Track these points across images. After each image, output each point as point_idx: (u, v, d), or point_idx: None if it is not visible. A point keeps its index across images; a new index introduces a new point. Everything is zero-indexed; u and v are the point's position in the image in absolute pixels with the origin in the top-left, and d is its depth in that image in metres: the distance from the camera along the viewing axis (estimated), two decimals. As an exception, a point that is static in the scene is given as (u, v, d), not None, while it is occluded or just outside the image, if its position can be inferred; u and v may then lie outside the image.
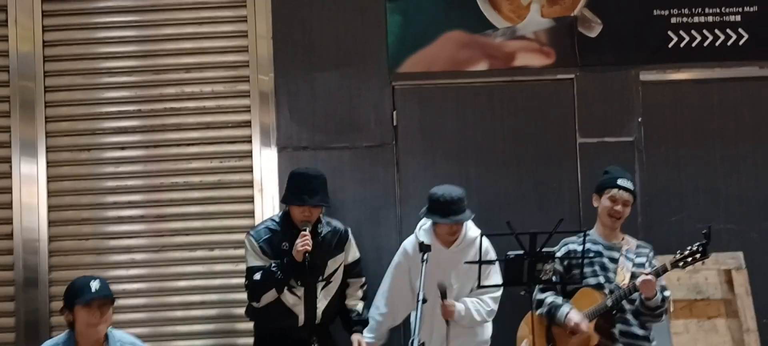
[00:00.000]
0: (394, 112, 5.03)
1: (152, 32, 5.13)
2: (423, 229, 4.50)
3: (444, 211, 4.33)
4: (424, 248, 4.05)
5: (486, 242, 4.32)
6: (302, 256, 4.22)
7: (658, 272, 4.14)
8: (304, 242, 4.20)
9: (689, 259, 4.10)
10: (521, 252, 3.93)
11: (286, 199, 4.39)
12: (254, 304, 4.38)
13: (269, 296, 4.32)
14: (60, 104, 5.09)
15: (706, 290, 4.77)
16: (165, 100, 5.12)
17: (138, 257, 5.05)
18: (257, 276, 4.31)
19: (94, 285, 3.84)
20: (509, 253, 3.96)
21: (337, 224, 4.51)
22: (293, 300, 4.37)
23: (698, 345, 4.74)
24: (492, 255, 4.38)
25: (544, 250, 3.93)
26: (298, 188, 4.33)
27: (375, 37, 5.04)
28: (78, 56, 5.11)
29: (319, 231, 4.38)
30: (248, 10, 5.12)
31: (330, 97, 5.04)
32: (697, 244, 4.09)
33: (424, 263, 3.99)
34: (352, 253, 4.53)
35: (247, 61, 5.10)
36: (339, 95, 5.04)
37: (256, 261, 4.34)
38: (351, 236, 4.52)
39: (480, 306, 4.41)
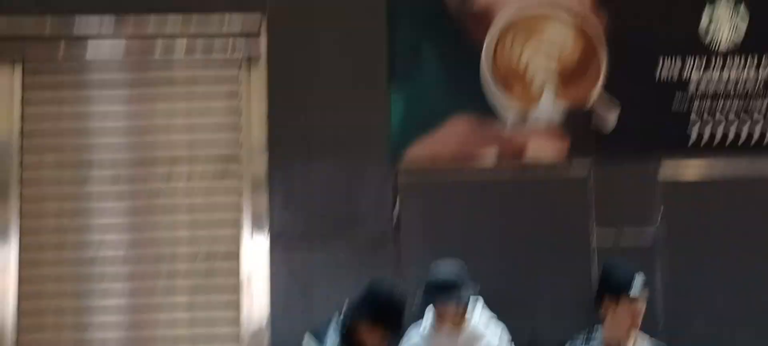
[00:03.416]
0: (396, 205, 4.72)
1: (141, 107, 4.86)
2: (429, 320, 4.16)
3: (441, 293, 3.96)
4: None
5: (500, 326, 4.03)
6: None
7: None
8: None
9: None
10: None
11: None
12: None
13: None
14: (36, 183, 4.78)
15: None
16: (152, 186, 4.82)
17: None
18: None
19: None
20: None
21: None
22: None
23: None
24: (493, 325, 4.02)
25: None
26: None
27: (377, 123, 4.76)
28: (59, 132, 4.82)
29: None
30: (243, 89, 4.84)
31: (327, 186, 4.74)
32: None
33: None
34: None
35: (240, 141, 4.81)
36: (337, 185, 4.74)
37: None
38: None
39: None
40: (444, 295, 3.96)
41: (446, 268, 4.06)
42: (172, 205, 4.79)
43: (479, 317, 4.13)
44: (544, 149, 4.79)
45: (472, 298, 4.07)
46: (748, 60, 4.86)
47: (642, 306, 4.05)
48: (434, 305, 4.03)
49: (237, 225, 4.76)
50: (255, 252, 4.73)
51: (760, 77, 4.85)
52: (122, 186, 4.80)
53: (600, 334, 4.11)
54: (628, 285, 4.01)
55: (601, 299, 4.10)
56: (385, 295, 3.97)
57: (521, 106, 4.81)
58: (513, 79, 4.82)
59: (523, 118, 4.80)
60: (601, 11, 4.85)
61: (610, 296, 4.06)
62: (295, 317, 4.56)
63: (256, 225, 4.74)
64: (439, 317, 4.06)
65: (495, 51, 4.83)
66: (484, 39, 4.82)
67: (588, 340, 3.92)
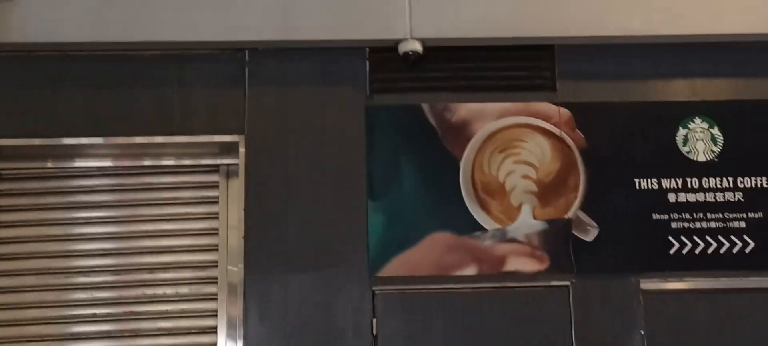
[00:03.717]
0: (374, 320, 4.62)
1: (120, 213, 4.85)
2: None
3: None
4: None
5: None
6: None
7: None
8: None
9: None
10: None
11: None
12: None
13: None
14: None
15: None
16: (126, 299, 4.74)
17: None
18: None
19: None
20: None
21: None
22: None
23: None
24: None
25: None
26: None
27: (355, 238, 4.71)
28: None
29: None
30: (220, 207, 4.82)
31: (304, 301, 4.64)
32: None
33: None
34: None
35: (216, 261, 4.77)
36: (314, 300, 4.64)
37: None
38: None
39: None
40: None
41: None
42: (152, 311, 4.71)
43: None
44: (523, 264, 4.73)
45: None
46: (724, 177, 4.87)
47: None
48: None
49: (213, 333, 4.67)
50: (233, 372, 4.60)
51: (736, 194, 4.86)
52: (102, 293, 4.73)
53: None
54: None
55: None
56: None
57: (500, 222, 4.77)
58: (491, 195, 4.82)
59: (502, 234, 4.76)
60: (579, 128, 4.89)
61: None
62: None
63: (231, 335, 4.63)
64: None
65: (473, 166, 4.84)
66: (462, 153, 4.83)
67: None
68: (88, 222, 4.83)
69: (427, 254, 4.71)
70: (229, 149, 4.82)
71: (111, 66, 4.86)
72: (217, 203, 4.85)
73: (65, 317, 4.71)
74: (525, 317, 4.66)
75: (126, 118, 4.80)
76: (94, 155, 4.86)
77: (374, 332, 4.62)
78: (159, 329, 4.71)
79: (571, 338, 4.65)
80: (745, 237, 4.80)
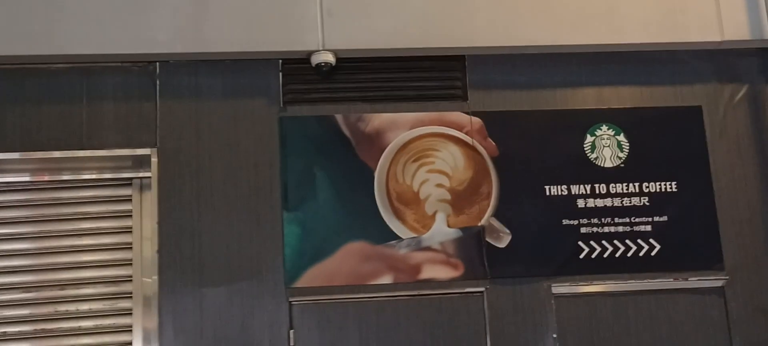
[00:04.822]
0: (291, 332, 4.62)
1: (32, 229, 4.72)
2: None
3: None
4: None
5: None
6: None
7: None
8: None
9: None
10: None
11: None
12: None
13: None
14: None
15: None
16: (39, 316, 4.65)
17: None
18: None
19: None
20: None
21: None
22: None
23: None
24: None
25: None
26: None
27: (270, 249, 4.70)
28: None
29: None
30: (134, 221, 4.77)
31: (220, 315, 4.61)
32: None
33: None
34: None
35: (130, 275, 4.71)
36: (230, 312, 4.61)
37: None
38: None
39: None
40: None
41: None
42: (66, 327, 4.64)
43: None
44: (438, 272, 4.79)
45: None
46: (631, 182, 5.00)
47: None
48: None
49: (127, 347, 4.60)
50: (145, 381, 4.54)
51: (642, 198, 4.99)
52: (14, 311, 4.64)
53: None
54: None
55: None
56: None
57: (415, 230, 4.82)
58: (406, 203, 4.86)
59: (417, 242, 4.80)
60: (491, 137, 4.97)
61: None
62: None
63: (146, 349, 4.58)
64: None
65: (387, 176, 4.87)
66: (376, 163, 4.86)
67: None
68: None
69: (343, 263, 4.73)
70: (142, 163, 4.77)
71: (18, 80, 4.74)
72: (130, 216, 4.78)
73: (-25, 336, 4.60)
74: (441, 324, 4.72)
75: (34, 132, 4.70)
76: (1, 171, 4.73)
77: (291, 344, 4.62)
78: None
79: (486, 343, 4.71)
80: (651, 240, 4.94)
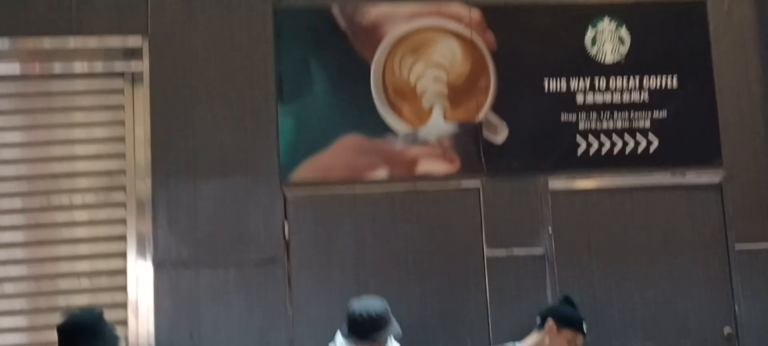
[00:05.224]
0: (286, 224, 4.60)
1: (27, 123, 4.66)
2: None
3: (364, 329, 3.83)
4: None
5: None
6: None
7: None
8: None
9: None
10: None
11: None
12: None
13: None
14: None
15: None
16: (31, 208, 4.59)
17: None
18: None
19: None
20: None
21: None
22: None
23: None
24: None
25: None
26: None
27: (265, 142, 4.64)
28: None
29: None
30: (126, 113, 4.67)
31: (214, 208, 4.58)
32: None
33: None
34: None
35: (124, 169, 4.63)
36: (224, 206, 4.58)
37: None
38: None
39: None
40: (375, 332, 3.83)
41: (375, 305, 3.91)
42: (58, 220, 4.60)
43: None
44: (434, 166, 4.74)
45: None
46: (631, 77, 4.93)
47: (579, 344, 4.14)
48: (362, 341, 3.86)
49: (122, 247, 4.58)
50: (140, 276, 4.53)
51: (642, 93, 4.92)
52: (10, 201, 4.59)
53: None
54: (581, 322, 4.12)
55: (544, 321, 4.13)
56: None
57: (411, 124, 4.75)
58: (402, 97, 4.79)
59: (414, 136, 4.75)
60: (489, 29, 4.87)
61: (560, 322, 4.11)
62: (182, 339, 4.38)
63: (141, 248, 4.56)
64: None
65: (384, 69, 4.79)
66: (373, 56, 4.77)
67: None
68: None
69: (339, 157, 4.68)
70: (134, 55, 4.66)
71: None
72: (123, 109, 4.70)
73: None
74: (436, 219, 4.70)
75: (23, 15, 4.58)
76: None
77: (286, 237, 4.60)
78: (65, 239, 4.59)
79: (481, 238, 4.71)
80: (650, 136, 4.89)
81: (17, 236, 4.56)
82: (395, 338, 3.96)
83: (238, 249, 4.55)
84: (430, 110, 4.78)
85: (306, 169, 4.65)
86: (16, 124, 4.66)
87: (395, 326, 3.89)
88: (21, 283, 4.53)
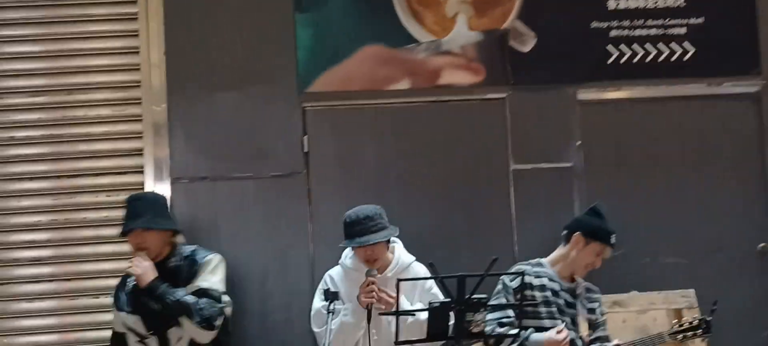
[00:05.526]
0: (305, 137, 4.50)
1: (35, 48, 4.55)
2: (349, 257, 3.96)
3: (352, 232, 3.81)
4: (329, 296, 3.56)
5: (422, 267, 3.87)
6: None
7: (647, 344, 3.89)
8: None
9: (689, 333, 3.89)
10: (447, 299, 3.33)
11: None
12: None
13: None
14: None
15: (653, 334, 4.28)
16: (43, 125, 4.51)
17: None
18: None
19: None
20: (432, 301, 3.38)
21: (202, 252, 3.99)
22: None
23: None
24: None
25: (474, 297, 3.33)
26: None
27: (283, 52, 4.51)
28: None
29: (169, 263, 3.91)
30: (140, 24, 4.56)
31: (231, 121, 4.48)
32: (699, 318, 3.92)
33: (331, 315, 3.53)
34: (202, 280, 3.91)
35: (139, 81, 4.53)
36: (242, 119, 4.48)
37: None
38: (209, 260, 3.94)
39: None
40: (363, 233, 3.80)
41: (365, 208, 3.86)
42: (75, 133, 4.53)
43: (402, 255, 3.96)
44: (458, 77, 4.60)
45: (392, 239, 3.93)
46: (667, -19, 4.72)
47: (607, 256, 4.03)
48: (351, 241, 3.84)
49: (139, 161, 4.51)
50: (158, 191, 4.44)
51: (677, -1, 4.71)
52: (34, 114, 4.53)
53: (547, 268, 3.99)
54: (609, 235, 3.98)
55: (571, 234, 4.01)
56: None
57: (434, 33, 4.59)
58: (425, 5, 4.62)
59: (437, 45, 4.58)
60: (517, -67, 4.66)
61: (587, 235, 3.98)
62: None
63: (157, 163, 4.49)
64: (357, 256, 3.90)
65: (406, -24, 4.62)
66: (395, -38, 4.59)
67: (537, 275, 3.91)
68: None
69: (359, 67, 4.54)
70: (146, -38, 4.53)
71: None
72: (137, 19, 4.57)
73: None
74: (459, 132, 4.57)
75: None
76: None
77: (305, 150, 4.50)
78: (82, 152, 4.53)
79: (507, 151, 4.58)
80: (685, 43, 4.70)
81: (37, 149, 4.52)
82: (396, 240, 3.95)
83: (256, 163, 4.48)
84: (454, 18, 4.62)
85: (325, 81, 4.53)
86: (32, 33, 4.58)
87: (390, 229, 3.84)
88: (41, 198, 4.49)
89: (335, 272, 4.00)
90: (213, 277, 3.92)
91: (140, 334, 3.90)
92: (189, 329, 3.81)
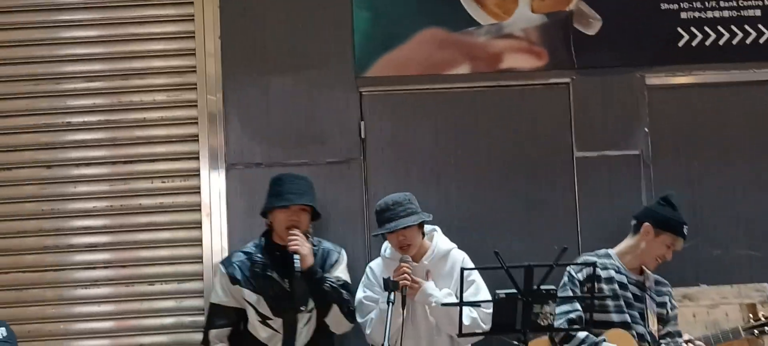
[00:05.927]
0: (362, 123, 4.43)
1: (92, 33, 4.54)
2: (388, 248, 3.93)
3: (382, 219, 3.79)
4: (389, 285, 3.53)
5: (462, 255, 3.83)
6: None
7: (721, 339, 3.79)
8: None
9: (766, 328, 3.80)
10: (514, 291, 3.21)
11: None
12: None
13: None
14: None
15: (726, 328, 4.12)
16: (99, 111, 4.51)
17: (50, 293, 4.42)
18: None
19: None
20: (498, 292, 3.26)
21: (328, 244, 4.01)
22: (267, 334, 3.84)
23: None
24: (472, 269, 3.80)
25: (542, 288, 3.21)
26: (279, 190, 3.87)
27: (339, 36, 4.45)
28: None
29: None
30: (196, 8, 4.52)
31: (287, 106, 4.44)
32: None
33: (390, 305, 3.48)
34: (342, 273, 3.96)
35: (194, 66, 4.49)
36: (297, 104, 4.43)
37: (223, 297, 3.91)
38: (343, 255, 4.00)
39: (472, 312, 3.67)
40: (385, 221, 3.78)
41: (395, 195, 3.83)
42: (129, 119, 4.51)
43: (439, 243, 3.89)
44: (520, 61, 4.48)
45: (428, 227, 3.89)
46: (740, -39, 4.55)
47: (679, 249, 3.91)
48: (382, 227, 3.81)
49: (194, 147, 4.48)
50: (213, 177, 4.43)
51: (752, -20, 4.53)
52: (90, 100, 4.52)
53: (615, 260, 3.87)
54: (681, 225, 3.86)
55: (641, 224, 3.88)
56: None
57: (495, 16, 4.48)
58: (487, -12, 4.50)
59: (498, 28, 4.47)
60: None
61: (658, 225, 3.86)
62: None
63: (213, 149, 4.45)
64: (390, 243, 3.88)
65: (467, -43, 4.51)
66: (456, -56, 4.49)
67: (604, 267, 3.80)
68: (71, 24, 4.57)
69: (417, 51, 4.46)
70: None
71: None
72: (192, 3, 4.53)
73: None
74: (521, 118, 4.47)
75: None
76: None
77: (362, 135, 4.43)
78: (137, 138, 4.50)
79: (570, 138, 4.46)
80: (760, 26, 4.53)
81: (92, 135, 4.51)
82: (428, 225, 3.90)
83: (312, 149, 4.43)
84: (517, 0, 4.49)
85: (383, 65, 4.46)
86: (90, 18, 4.57)
87: (419, 214, 3.78)
88: (97, 184, 4.49)
89: (376, 263, 3.99)
90: (347, 274, 3.98)
91: (263, 314, 3.88)
92: (335, 316, 3.85)
